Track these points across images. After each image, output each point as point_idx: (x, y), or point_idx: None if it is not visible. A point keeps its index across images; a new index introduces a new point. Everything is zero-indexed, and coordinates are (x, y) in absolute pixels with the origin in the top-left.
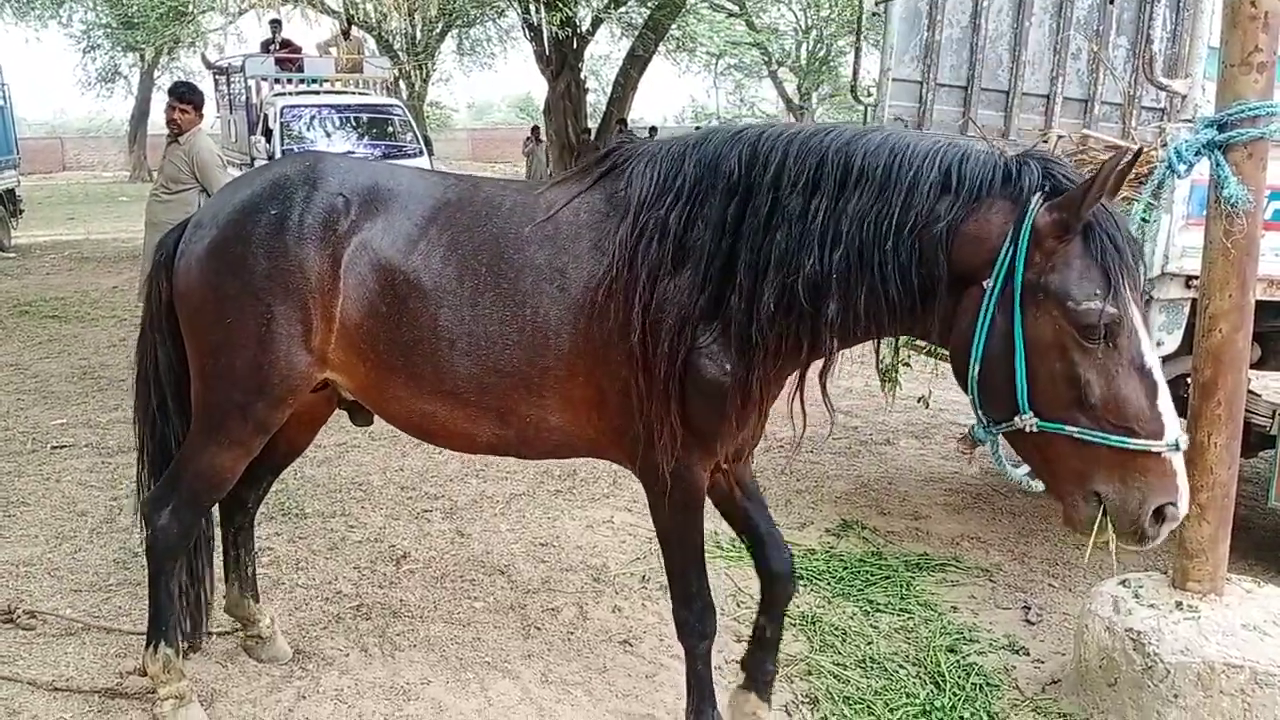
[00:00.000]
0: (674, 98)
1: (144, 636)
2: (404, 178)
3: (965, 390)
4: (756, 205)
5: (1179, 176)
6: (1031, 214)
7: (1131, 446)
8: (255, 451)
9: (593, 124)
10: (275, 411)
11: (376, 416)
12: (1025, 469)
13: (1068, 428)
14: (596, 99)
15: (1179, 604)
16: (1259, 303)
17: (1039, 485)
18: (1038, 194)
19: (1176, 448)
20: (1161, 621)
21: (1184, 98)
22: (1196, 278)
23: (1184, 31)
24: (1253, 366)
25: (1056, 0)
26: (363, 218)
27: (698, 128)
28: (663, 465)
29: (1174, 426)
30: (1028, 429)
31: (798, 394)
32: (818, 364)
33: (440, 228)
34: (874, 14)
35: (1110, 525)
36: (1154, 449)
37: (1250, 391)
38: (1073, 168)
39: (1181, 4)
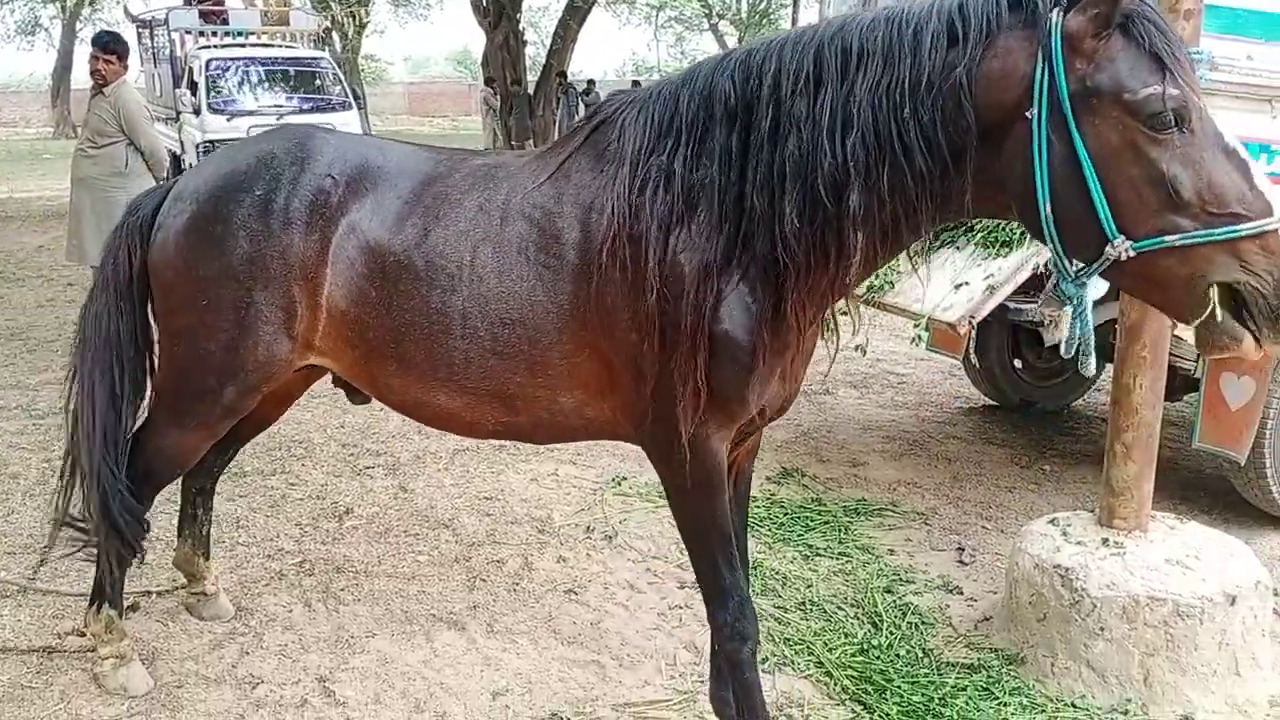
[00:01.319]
0: (615, 51)
1: (81, 598)
2: (394, 153)
3: (1043, 240)
4: (759, 121)
5: None
6: (1056, 27)
7: (1244, 232)
8: (221, 434)
9: (532, 77)
10: (247, 398)
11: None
12: (1093, 358)
13: (1168, 238)
14: (536, 51)
15: (1105, 541)
16: None
17: (1091, 368)
18: (1055, 9)
19: None
20: (1088, 558)
21: None
22: None
23: None
24: None
25: None
26: (350, 198)
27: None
28: (684, 431)
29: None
30: (1123, 257)
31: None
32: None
33: (429, 204)
34: None
35: (1253, 323)
36: (1269, 227)
37: (1175, 336)
38: None
39: None
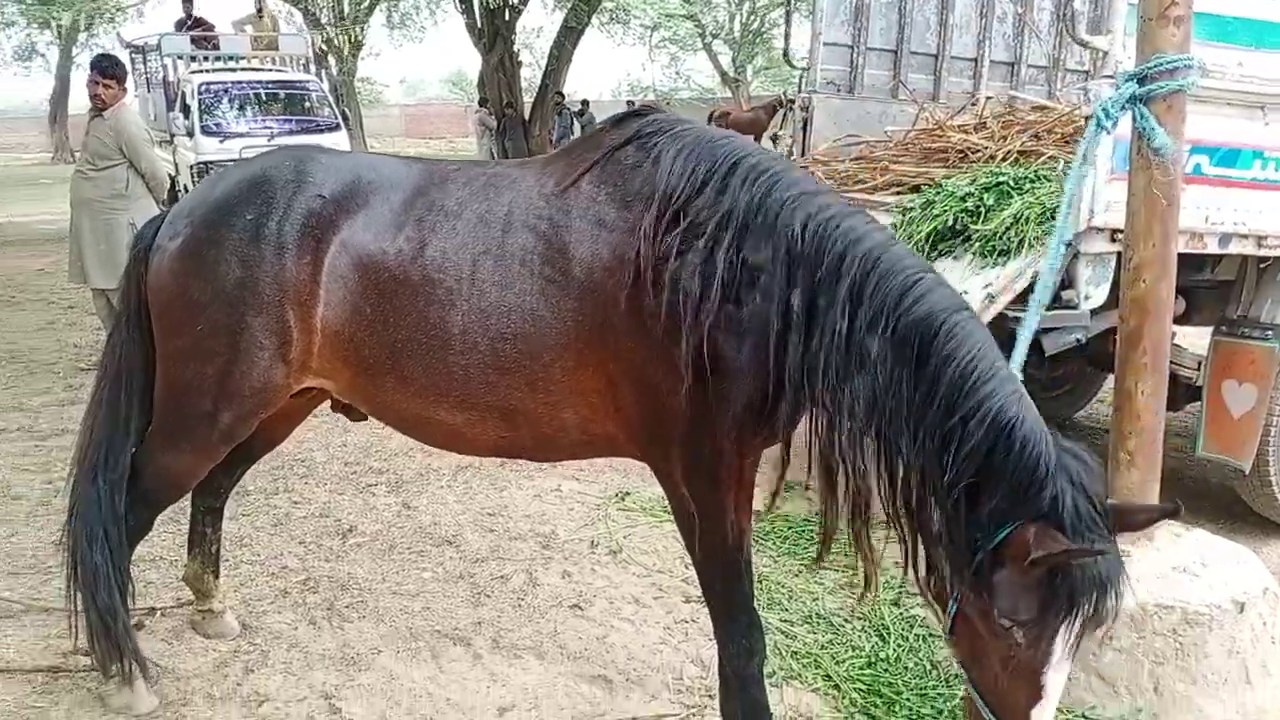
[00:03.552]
0: (610, 71)
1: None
2: (386, 167)
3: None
4: (818, 303)
5: (1108, 133)
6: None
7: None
8: (220, 458)
9: (527, 98)
10: (244, 423)
11: None
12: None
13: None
14: (531, 73)
15: None
16: (1182, 256)
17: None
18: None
19: None
20: None
21: (1105, 54)
22: (1121, 231)
23: None
24: (1177, 320)
25: None
26: (342, 216)
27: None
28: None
29: None
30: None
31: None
32: None
33: (424, 215)
34: None
35: None
36: None
37: (1175, 345)
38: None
39: None
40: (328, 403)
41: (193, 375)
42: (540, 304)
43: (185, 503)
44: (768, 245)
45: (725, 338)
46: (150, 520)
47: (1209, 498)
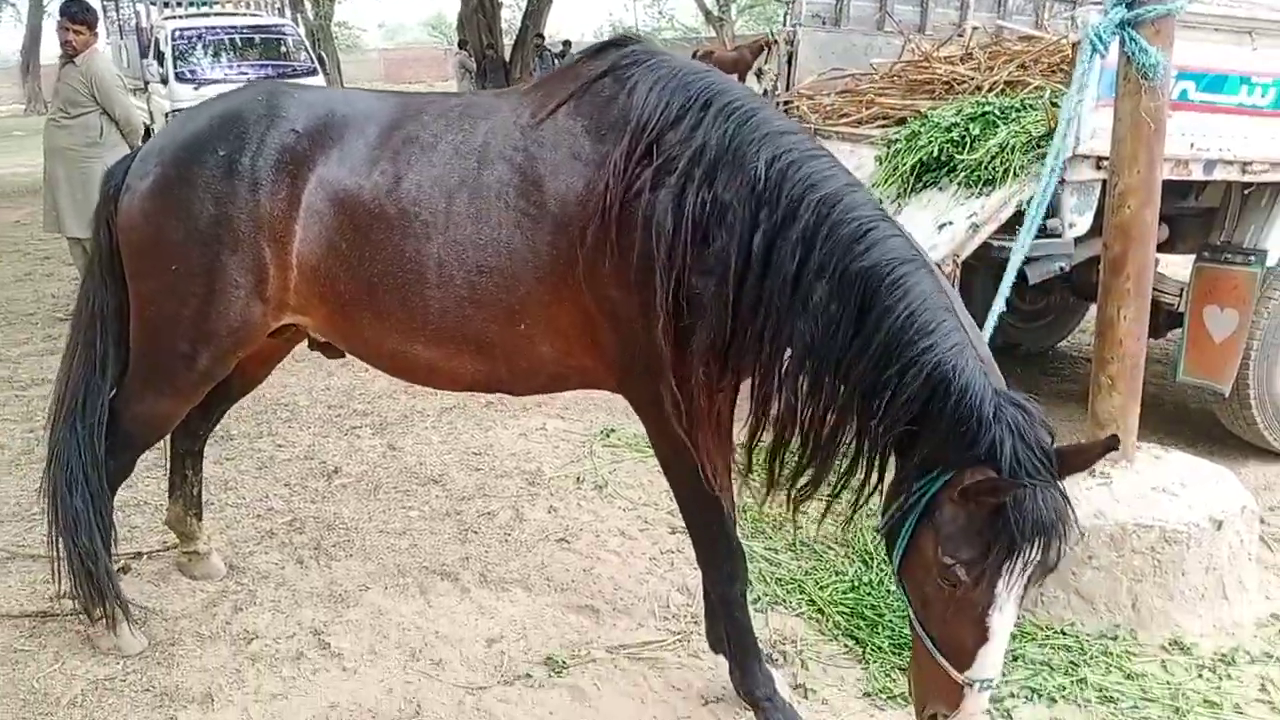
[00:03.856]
0: (592, 11)
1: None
2: (360, 101)
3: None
4: (775, 244)
5: (1102, 57)
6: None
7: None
8: (199, 399)
9: (508, 40)
10: (222, 363)
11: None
12: None
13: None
14: (512, 14)
15: (1092, 471)
16: (1167, 183)
17: None
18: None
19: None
20: (1076, 488)
21: None
22: (1106, 158)
23: None
24: (1161, 248)
25: None
26: (316, 150)
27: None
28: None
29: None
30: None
31: None
32: None
33: (399, 149)
34: None
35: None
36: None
37: (1158, 272)
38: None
39: None
40: (307, 344)
41: (169, 316)
42: (515, 237)
43: (159, 449)
44: (735, 183)
45: (695, 276)
46: (131, 463)
47: (1189, 422)
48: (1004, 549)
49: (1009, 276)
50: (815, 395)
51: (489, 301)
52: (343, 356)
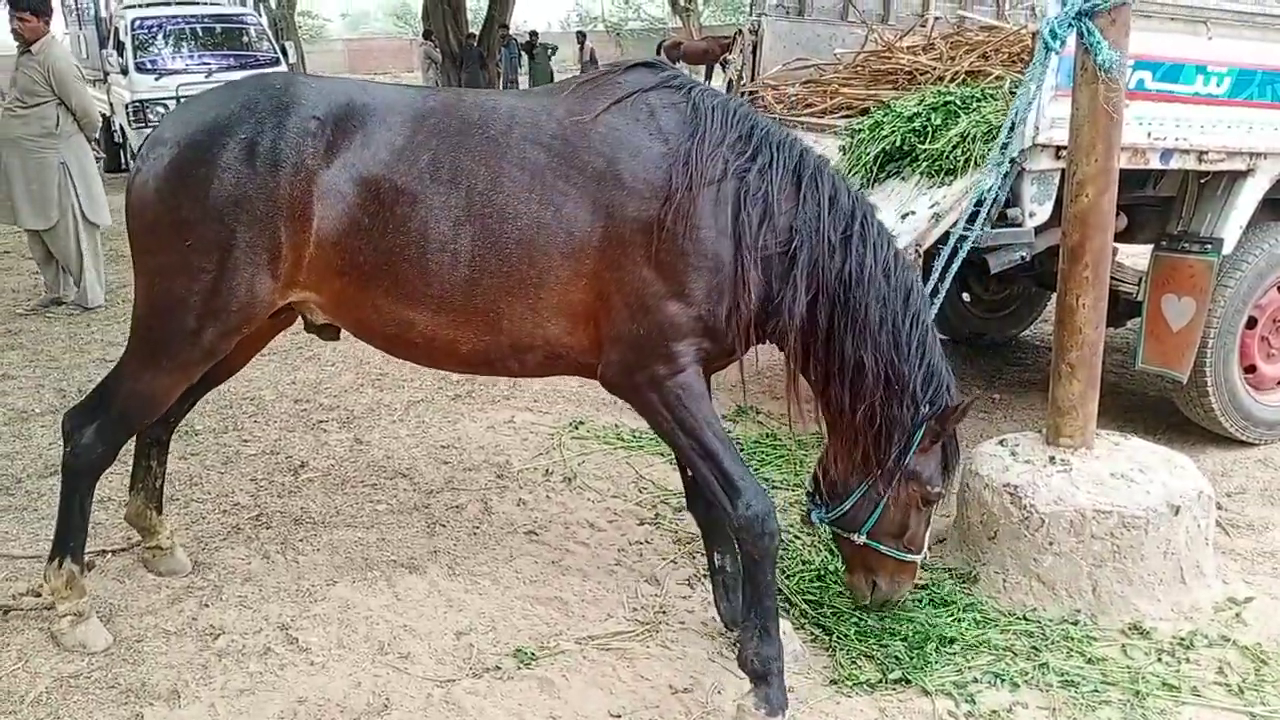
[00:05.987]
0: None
1: (35, 560)
2: (378, 92)
3: None
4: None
5: (1057, 53)
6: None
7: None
8: (196, 377)
9: (474, 31)
10: (227, 339)
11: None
12: None
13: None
14: (477, 4)
15: (1052, 459)
16: (1124, 173)
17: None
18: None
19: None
20: (1036, 475)
21: None
22: (1065, 147)
23: None
24: (1119, 238)
25: None
26: (339, 137)
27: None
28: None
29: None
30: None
31: None
32: None
33: (427, 134)
34: None
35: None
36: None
37: (1116, 262)
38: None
39: None
40: (304, 327)
41: (178, 292)
42: (549, 214)
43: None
44: (791, 187)
45: (766, 256)
46: (120, 444)
47: (1147, 409)
48: (953, 462)
49: (945, 255)
50: (873, 359)
51: (510, 273)
52: (337, 337)
